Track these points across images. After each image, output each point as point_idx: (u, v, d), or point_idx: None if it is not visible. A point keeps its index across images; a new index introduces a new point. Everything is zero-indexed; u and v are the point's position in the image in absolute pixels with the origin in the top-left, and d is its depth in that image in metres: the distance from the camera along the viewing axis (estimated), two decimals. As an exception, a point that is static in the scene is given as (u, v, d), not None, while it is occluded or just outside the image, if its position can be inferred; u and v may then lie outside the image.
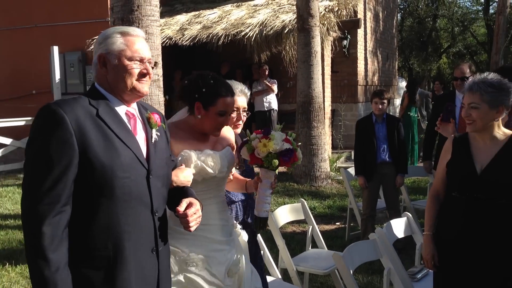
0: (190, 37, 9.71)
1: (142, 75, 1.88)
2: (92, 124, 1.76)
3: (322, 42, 8.81)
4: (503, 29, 13.35)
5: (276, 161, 2.36)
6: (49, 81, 10.05)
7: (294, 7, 8.97)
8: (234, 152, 2.54)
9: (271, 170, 2.42)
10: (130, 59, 1.86)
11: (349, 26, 11.08)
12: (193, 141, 2.37)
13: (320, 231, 4.22)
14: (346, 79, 12.05)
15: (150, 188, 1.88)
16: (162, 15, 9.98)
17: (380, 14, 14.51)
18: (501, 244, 2.53)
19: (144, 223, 1.87)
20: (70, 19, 10.76)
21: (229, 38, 9.39)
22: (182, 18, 10.76)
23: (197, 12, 10.92)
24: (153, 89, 4.61)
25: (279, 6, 10.43)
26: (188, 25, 10.29)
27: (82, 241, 1.76)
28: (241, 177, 2.71)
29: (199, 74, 2.40)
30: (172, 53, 10.30)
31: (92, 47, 10.44)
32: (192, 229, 1.92)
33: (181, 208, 1.91)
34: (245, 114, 2.84)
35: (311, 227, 4.02)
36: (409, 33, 26.76)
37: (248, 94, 2.90)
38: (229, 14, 10.42)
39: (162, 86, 4.79)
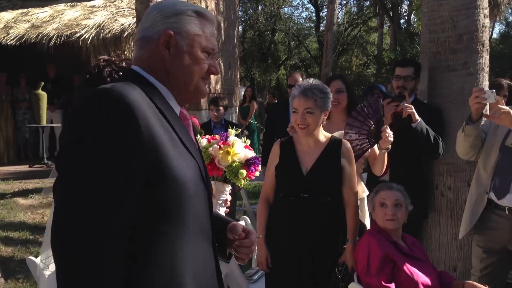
0: (17, 36, 8.84)
1: (209, 73, 1.40)
2: (158, 123, 1.24)
3: (163, 48, 8.69)
4: (331, 44, 14.68)
5: (244, 172, 1.95)
6: None
7: (134, 11, 8.69)
8: None
9: (227, 183, 1.98)
10: (204, 49, 1.37)
11: (191, 33, 11.14)
12: None
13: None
14: (190, 87, 12.10)
15: (210, 212, 1.41)
16: (-18, 10, 8.91)
17: (222, 24, 14.87)
18: (327, 240, 2.68)
19: (207, 260, 1.37)
20: None
21: (62, 39, 8.73)
22: (7, 15, 9.74)
23: (25, 10, 9.96)
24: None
25: (118, 9, 10.02)
26: (14, 23, 9.35)
27: None
28: None
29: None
30: (-5, 53, 9.25)
31: None
32: (247, 260, 1.54)
33: (241, 234, 1.49)
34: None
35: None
36: (250, 45, 27.99)
37: None
38: (62, 14, 9.70)
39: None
